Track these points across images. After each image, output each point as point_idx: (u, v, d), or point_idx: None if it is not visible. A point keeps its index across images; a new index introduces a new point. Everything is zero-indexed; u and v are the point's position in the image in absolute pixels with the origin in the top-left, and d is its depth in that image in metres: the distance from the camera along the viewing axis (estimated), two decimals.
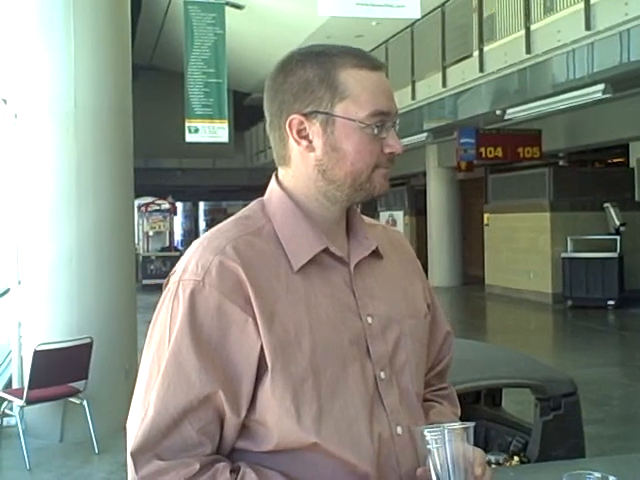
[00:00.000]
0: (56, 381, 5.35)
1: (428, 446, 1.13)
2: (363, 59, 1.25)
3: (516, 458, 2.90)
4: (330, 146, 1.24)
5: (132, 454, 1.16)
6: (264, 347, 1.17)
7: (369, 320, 1.27)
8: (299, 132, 1.25)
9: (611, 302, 12.83)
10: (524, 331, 11.64)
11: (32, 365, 5.14)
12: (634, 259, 13.49)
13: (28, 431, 5.42)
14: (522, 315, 13.50)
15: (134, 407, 1.21)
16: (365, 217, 1.42)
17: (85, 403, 5.38)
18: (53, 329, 5.62)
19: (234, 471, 1.18)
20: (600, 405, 6.70)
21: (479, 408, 3.33)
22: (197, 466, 1.14)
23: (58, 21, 5.71)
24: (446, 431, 1.13)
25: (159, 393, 1.17)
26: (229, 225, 1.29)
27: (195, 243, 1.27)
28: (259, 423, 1.20)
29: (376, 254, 1.33)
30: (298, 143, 1.25)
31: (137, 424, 1.18)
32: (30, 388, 5.15)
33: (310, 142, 1.25)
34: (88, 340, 5.40)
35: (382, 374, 1.26)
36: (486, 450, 3.04)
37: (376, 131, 1.23)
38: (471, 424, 1.16)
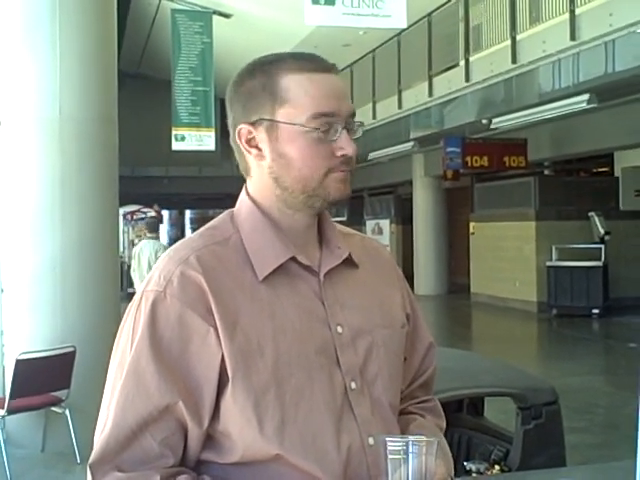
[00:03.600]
0: (38, 390, 5.31)
1: (390, 456, 1.11)
2: (307, 62, 1.24)
3: (497, 467, 2.90)
4: (276, 152, 1.23)
5: (90, 466, 1.16)
6: (225, 357, 1.16)
7: (339, 329, 1.25)
8: (249, 141, 1.25)
9: (595, 311, 12.89)
10: (509, 340, 11.67)
11: (14, 374, 5.09)
12: (618, 268, 13.57)
13: (9, 440, 5.37)
14: (507, 323, 13.54)
15: (99, 418, 1.20)
16: (343, 227, 1.40)
17: (67, 412, 5.34)
18: (36, 338, 5.58)
19: None
20: (584, 413, 6.72)
21: (461, 417, 3.33)
22: (157, 478, 1.13)
23: (44, 28, 5.69)
24: (410, 443, 1.11)
25: (118, 404, 1.17)
26: (196, 236, 1.29)
27: (164, 255, 1.27)
28: (223, 434, 1.19)
29: (350, 263, 1.32)
30: (249, 152, 1.26)
31: (98, 435, 1.18)
32: (12, 397, 5.10)
33: (260, 150, 1.25)
34: (71, 349, 5.36)
35: (353, 384, 1.24)
36: (468, 459, 3.04)
37: (321, 134, 1.21)
38: (435, 439, 1.14)
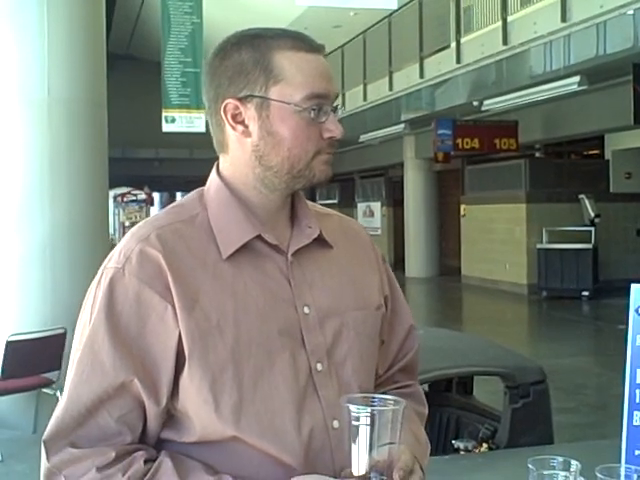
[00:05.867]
0: (29, 372, 5.32)
1: (354, 422, 1.08)
2: (299, 41, 1.22)
3: (485, 445, 2.92)
4: (266, 131, 1.20)
5: (44, 441, 1.15)
6: (182, 335, 1.15)
7: (306, 310, 1.22)
8: (234, 117, 1.21)
9: (585, 293, 12.95)
10: (500, 321, 11.73)
11: (4, 356, 5.10)
12: (608, 250, 13.63)
13: (1, 422, 5.39)
14: (498, 306, 13.59)
15: None
16: (321, 207, 1.39)
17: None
18: (26, 320, 5.58)
19: (152, 460, 1.15)
20: (574, 394, 6.77)
21: (451, 396, 3.35)
22: (112, 454, 1.13)
23: (31, 9, 5.65)
24: (375, 412, 1.08)
25: (74, 381, 1.17)
26: (161, 214, 1.27)
27: (128, 232, 1.25)
28: (182, 413, 1.18)
29: (323, 243, 1.29)
30: (234, 128, 1.22)
31: (54, 412, 1.18)
32: (3, 379, 5.12)
33: (246, 127, 1.21)
34: (61, 330, 5.37)
35: (319, 366, 1.21)
36: (456, 437, 3.07)
37: (313, 115, 1.20)
38: (401, 406, 1.10)
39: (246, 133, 1.21)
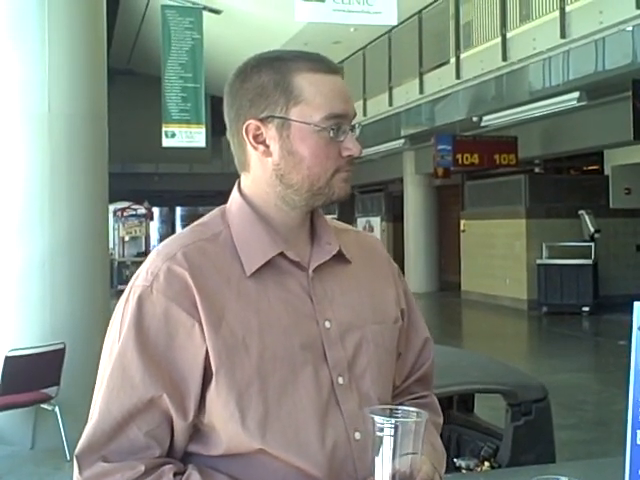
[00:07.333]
0: (27, 387, 5.29)
1: (378, 433, 1.11)
2: (318, 63, 1.26)
3: (487, 463, 2.90)
4: (286, 150, 1.24)
5: (77, 456, 1.18)
6: (209, 352, 1.18)
7: (327, 325, 1.26)
8: (256, 137, 1.25)
9: (585, 308, 12.93)
10: (500, 337, 11.70)
11: (3, 371, 5.07)
12: (608, 265, 13.62)
13: None
14: (498, 321, 13.56)
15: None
16: (338, 222, 1.43)
17: (57, 409, 5.32)
18: (25, 335, 5.55)
19: (180, 473, 1.18)
20: (574, 410, 6.74)
21: (452, 414, 3.33)
22: (142, 468, 1.15)
23: (32, 24, 5.66)
24: (399, 423, 1.11)
25: (104, 396, 1.20)
26: (185, 232, 1.31)
27: (153, 250, 1.29)
28: (209, 427, 1.21)
29: (342, 259, 1.32)
30: (255, 148, 1.26)
31: (86, 427, 1.21)
32: (1, 394, 5.09)
33: (267, 147, 1.25)
34: (61, 346, 5.35)
35: (340, 379, 1.25)
36: (458, 455, 3.05)
37: (332, 134, 1.23)
38: (424, 418, 1.13)
39: (267, 153, 1.26)
